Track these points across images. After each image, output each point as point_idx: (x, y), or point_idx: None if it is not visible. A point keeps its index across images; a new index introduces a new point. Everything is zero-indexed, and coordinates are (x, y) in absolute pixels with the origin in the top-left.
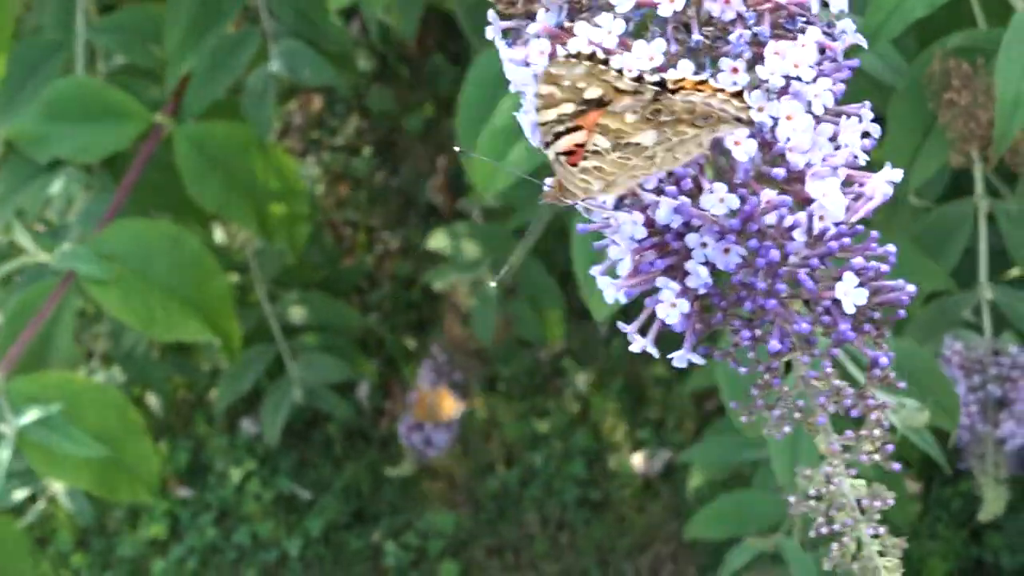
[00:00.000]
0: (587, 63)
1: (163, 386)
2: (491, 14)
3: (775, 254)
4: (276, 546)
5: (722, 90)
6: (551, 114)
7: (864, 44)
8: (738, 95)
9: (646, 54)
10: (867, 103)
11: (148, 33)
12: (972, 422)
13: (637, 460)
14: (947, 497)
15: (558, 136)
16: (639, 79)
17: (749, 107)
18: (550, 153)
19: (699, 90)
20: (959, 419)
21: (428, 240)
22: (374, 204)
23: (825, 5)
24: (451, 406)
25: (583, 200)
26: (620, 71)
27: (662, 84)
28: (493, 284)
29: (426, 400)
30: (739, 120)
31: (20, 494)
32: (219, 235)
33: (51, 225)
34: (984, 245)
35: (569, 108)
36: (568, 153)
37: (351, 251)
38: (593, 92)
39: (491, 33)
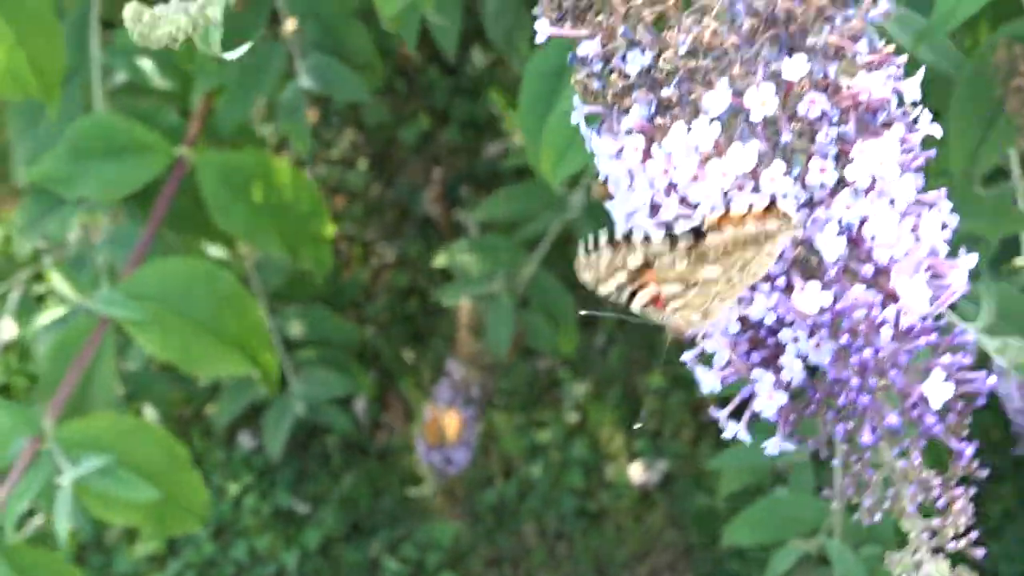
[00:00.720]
0: (607, 251)
1: (161, 400)
2: (575, 99)
3: (868, 352)
4: (274, 560)
5: (749, 214)
6: (610, 286)
7: (938, 134)
8: (770, 208)
9: (742, 157)
10: (944, 190)
11: (162, 53)
12: None
13: (635, 471)
14: None
15: (631, 297)
16: (672, 237)
17: (786, 214)
18: (635, 307)
19: (730, 223)
20: None
21: (434, 258)
22: (370, 217)
23: (900, 99)
24: (455, 427)
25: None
26: (647, 238)
27: (697, 232)
28: (506, 298)
29: (435, 423)
30: (784, 230)
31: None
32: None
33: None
34: None
35: (623, 277)
36: (652, 302)
37: (348, 264)
38: (634, 261)
39: (576, 117)
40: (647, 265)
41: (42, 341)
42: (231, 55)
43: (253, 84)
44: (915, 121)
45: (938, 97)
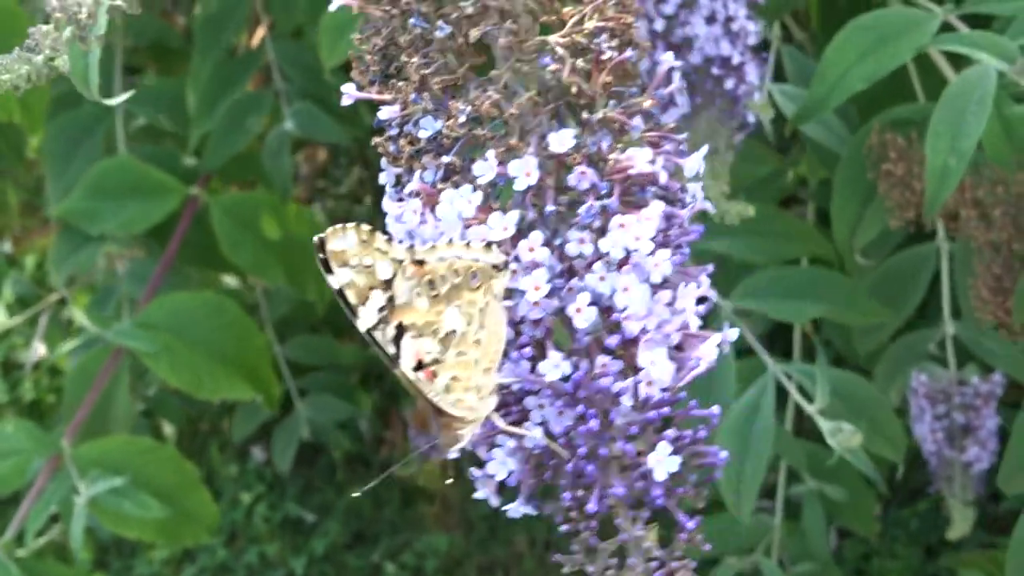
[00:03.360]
0: (353, 232)
1: (177, 417)
2: (383, 160)
3: (595, 423)
4: (283, 565)
5: (468, 244)
6: (371, 314)
7: (711, 209)
8: (488, 245)
9: (500, 224)
10: (709, 267)
11: (175, 99)
12: (939, 448)
13: None
14: (905, 517)
15: (397, 344)
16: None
17: (503, 254)
18: (407, 374)
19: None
20: (904, 447)
21: None
22: None
23: (679, 174)
24: None
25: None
26: (388, 237)
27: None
28: None
29: (424, 411)
30: (496, 267)
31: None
32: (231, 280)
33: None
34: (946, 284)
35: (380, 299)
36: (419, 367)
37: None
38: (384, 270)
39: (383, 179)
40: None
41: (69, 365)
42: (112, 101)
43: (238, 130)
44: (692, 197)
45: (830, 168)
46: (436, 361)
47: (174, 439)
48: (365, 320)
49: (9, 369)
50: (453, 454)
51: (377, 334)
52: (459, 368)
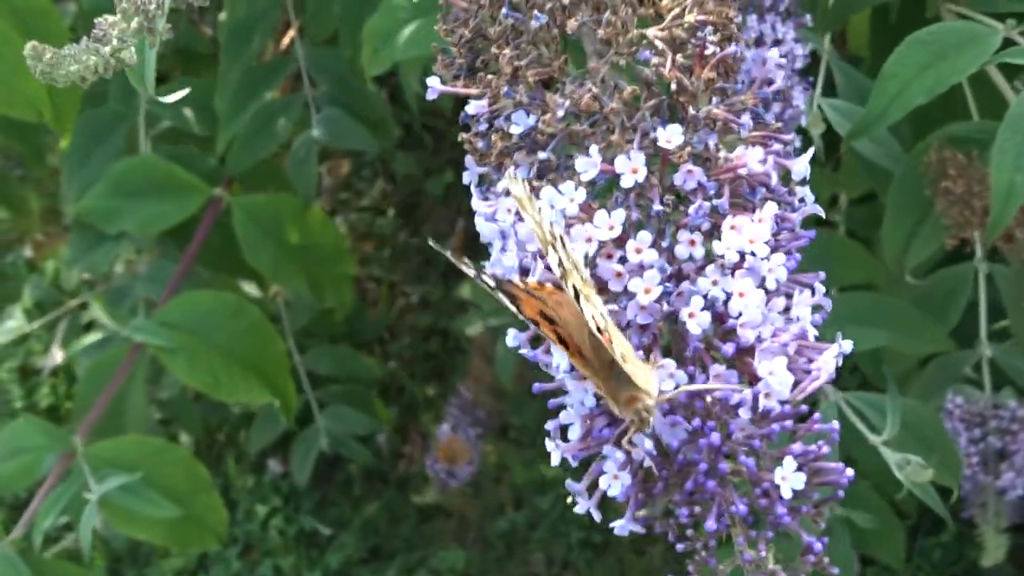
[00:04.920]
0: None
1: (195, 427)
2: (467, 158)
3: (716, 436)
4: None
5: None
6: (554, 266)
7: (821, 213)
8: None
9: (606, 223)
10: (821, 274)
11: (200, 102)
12: (973, 473)
13: None
14: (929, 547)
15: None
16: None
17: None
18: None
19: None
20: (960, 476)
21: (455, 301)
22: (397, 261)
23: (787, 176)
24: (466, 456)
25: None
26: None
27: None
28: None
29: (449, 447)
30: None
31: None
32: (251, 288)
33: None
34: (984, 305)
35: (554, 257)
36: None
37: (374, 304)
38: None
39: (468, 178)
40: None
41: (81, 366)
42: (169, 98)
43: (265, 134)
44: (801, 200)
45: (881, 187)
46: (601, 331)
47: (191, 449)
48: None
49: (27, 375)
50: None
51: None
52: (622, 345)
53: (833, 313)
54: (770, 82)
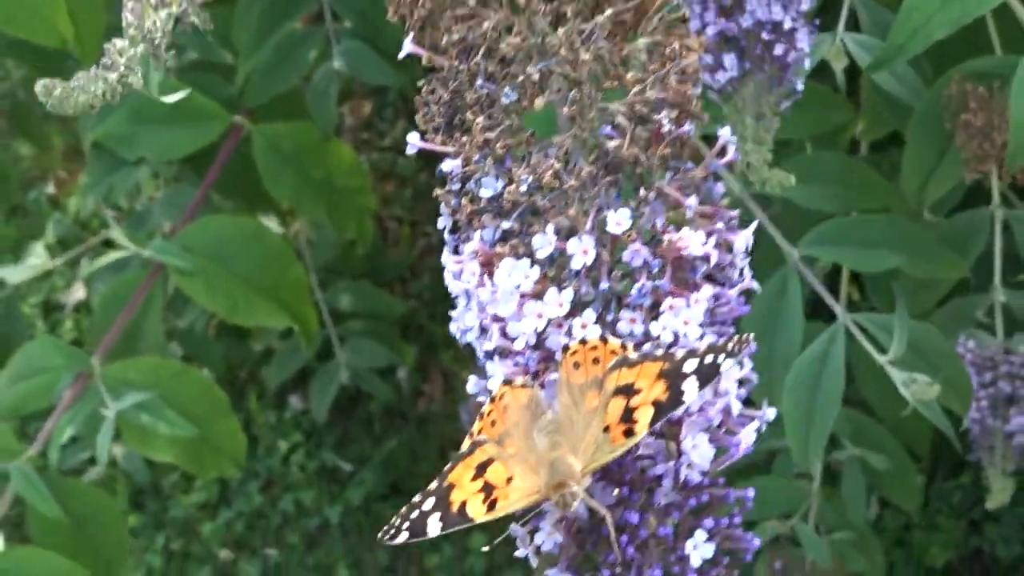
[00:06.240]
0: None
1: (217, 363)
2: (442, 207)
3: (634, 516)
4: (318, 514)
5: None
6: None
7: (757, 288)
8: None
9: (556, 300)
10: (752, 346)
11: (220, 32)
12: (983, 416)
13: None
14: (948, 490)
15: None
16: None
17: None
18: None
19: None
20: (971, 400)
21: None
22: (418, 201)
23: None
24: None
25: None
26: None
27: None
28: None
29: None
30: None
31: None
32: (273, 225)
33: (121, 209)
34: (999, 250)
35: None
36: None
37: (396, 244)
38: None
39: (441, 223)
40: None
41: (97, 289)
42: (169, 98)
43: (286, 65)
44: (740, 273)
45: (901, 123)
46: None
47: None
48: None
49: (50, 310)
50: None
51: None
52: None
53: (848, 235)
54: (774, 25)
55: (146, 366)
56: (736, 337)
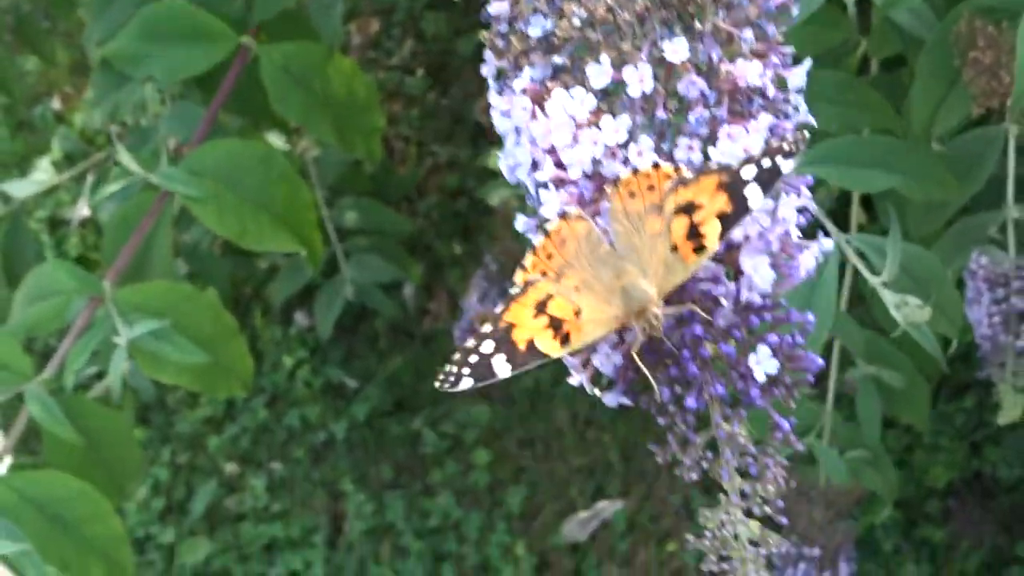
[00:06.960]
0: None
1: (222, 281)
2: (487, 53)
3: (698, 328)
4: (323, 429)
5: None
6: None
7: (813, 123)
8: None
9: (612, 127)
10: (809, 178)
11: None
12: (995, 333)
13: None
14: (951, 412)
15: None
16: None
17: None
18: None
19: None
20: (959, 324)
21: (481, 159)
22: (425, 121)
23: (783, 85)
24: None
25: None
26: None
27: None
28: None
29: (477, 319)
30: None
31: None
32: (279, 143)
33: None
34: (1012, 168)
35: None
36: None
37: (403, 163)
38: None
39: (486, 71)
40: None
41: (105, 212)
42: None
43: None
44: (795, 108)
45: (915, 56)
46: None
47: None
48: None
49: (56, 225)
50: None
51: None
52: None
53: (843, 155)
54: None
55: (157, 290)
56: (791, 135)
